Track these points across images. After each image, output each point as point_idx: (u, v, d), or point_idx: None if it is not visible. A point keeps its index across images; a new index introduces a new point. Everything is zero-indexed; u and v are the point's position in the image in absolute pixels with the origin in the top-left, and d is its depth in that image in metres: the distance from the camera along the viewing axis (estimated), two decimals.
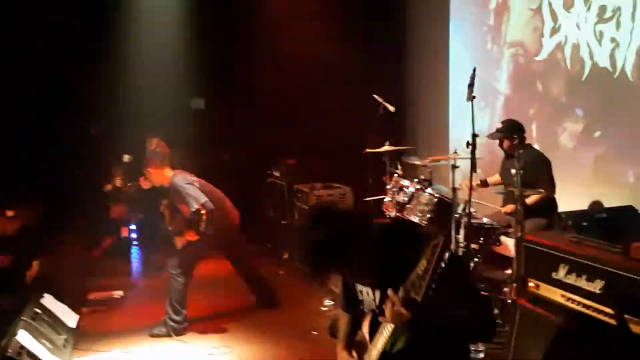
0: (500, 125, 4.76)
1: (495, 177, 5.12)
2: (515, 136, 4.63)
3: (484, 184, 4.98)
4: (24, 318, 3.83)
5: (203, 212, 4.46)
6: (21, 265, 4.86)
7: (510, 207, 4.56)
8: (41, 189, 5.98)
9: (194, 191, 4.53)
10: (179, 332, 4.49)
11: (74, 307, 4.65)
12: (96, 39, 6.76)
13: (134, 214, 6.68)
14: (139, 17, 7.05)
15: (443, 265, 1.72)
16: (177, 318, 4.50)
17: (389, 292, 1.80)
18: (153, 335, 4.50)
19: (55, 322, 4.19)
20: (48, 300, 4.37)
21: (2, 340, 3.53)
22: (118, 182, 6.47)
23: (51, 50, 6.56)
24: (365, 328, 2.11)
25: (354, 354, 2.25)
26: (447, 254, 1.75)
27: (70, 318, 4.45)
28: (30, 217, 5.26)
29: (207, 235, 4.52)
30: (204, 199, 4.49)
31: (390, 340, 1.93)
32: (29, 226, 5.16)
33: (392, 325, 1.88)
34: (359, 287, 2.18)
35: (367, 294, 2.14)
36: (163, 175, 4.67)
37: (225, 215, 4.70)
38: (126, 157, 6.49)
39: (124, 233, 6.94)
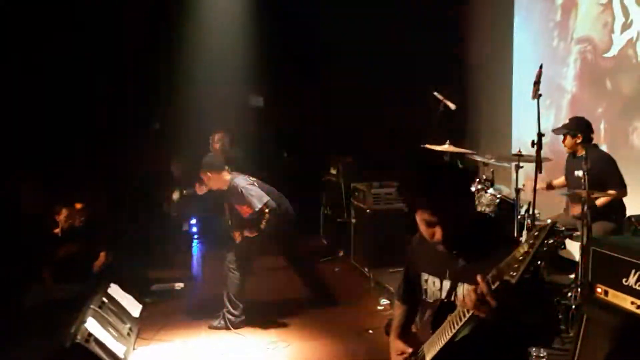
0: (567, 122, 4.58)
1: (561, 180, 4.94)
2: (580, 135, 4.44)
3: (550, 186, 4.81)
4: (92, 306, 4.00)
5: (266, 210, 4.53)
6: (89, 255, 5.07)
7: (576, 209, 4.40)
8: (108, 183, 6.20)
9: (256, 191, 4.61)
10: (236, 325, 4.57)
11: (138, 297, 4.82)
12: (160, 36, 6.95)
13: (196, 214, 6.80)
14: (201, 14, 7.20)
15: (544, 249, 1.68)
16: (235, 312, 4.59)
17: (478, 277, 1.74)
18: (212, 328, 4.61)
19: (121, 311, 4.36)
20: (114, 290, 4.55)
21: (72, 327, 3.69)
22: (175, 196, 6.60)
23: (119, 47, 6.78)
24: (425, 317, 2.09)
25: (406, 345, 2.23)
26: (550, 240, 1.71)
27: (134, 308, 4.62)
28: (98, 209, 5.47)
29: (265, 233, 4.59)
30: (266, 198, 4.57)
31: (461, 330, 1.89)
32: (97, 218, 5.36)
33: (467, 316, 1.83)
34: (425, 276, 2.15)
35: (433, 284, 2.12)
36: (222, 179, 4.69)
37: (283, 214, 4.76)
38: (174, 167, 6.66)
39: (185, 227, 7.13)
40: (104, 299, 4.26)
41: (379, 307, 4.96)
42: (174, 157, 6.84)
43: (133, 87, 6.93)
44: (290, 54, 7.49)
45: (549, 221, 4.26)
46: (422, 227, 1.99)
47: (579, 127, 4.49)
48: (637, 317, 2.61)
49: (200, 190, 4.97)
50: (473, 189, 4.66)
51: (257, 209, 4.55)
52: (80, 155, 6.50)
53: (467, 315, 1.82)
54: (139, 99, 7.03)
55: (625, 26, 5.21)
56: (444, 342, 1.94)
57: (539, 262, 4.35)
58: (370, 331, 4.46)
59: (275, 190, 4.90)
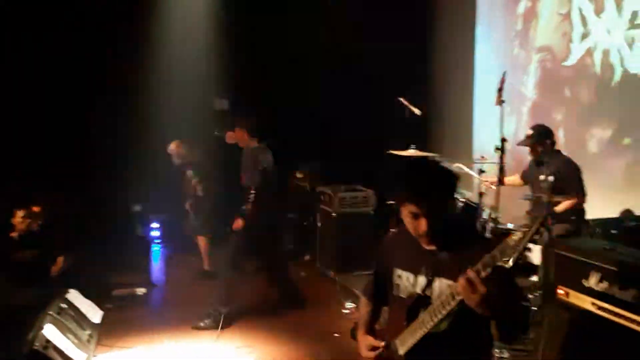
0: (530, 132, 4.67)
1: (513, 178, 5.01)
2: (547, 141, 4.56)
3: (501, 182, 4.88)
4: (50, 312, 3.89)
5: (252, 193, 4.66)
6: (47, 260, 4.91)
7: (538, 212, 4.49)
8: (67, 186, 6.04)
9: (260, 171, 4.78)
10: (226, 324, 4.57)
11: (98, 303, 4.70)
12: (122, 37, 6.82)
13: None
14: (165, 16, 7.11)
15: (537, 237, 1.75)
16: (224, 311, 4.57)
17: (469, 272, 1.80)
18: (198, 328, 4.56)
19: (80, 318, 4.25)
20: (73, 296, 4.43)
21: (30, 334, 3.57)
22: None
23: (78, 47, 6.63)
24: (397, 314, 2.13)
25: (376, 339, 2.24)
26: (537, 236, 1.78)
27: (94, 314, 4.51)
28: (56, 212, 5.32)
29: (252, 226, 4.64)
30: (258, 184, 4.71)
31: (442, 320, 1.95)
32: (55, 222, 5.21)
33: (451, 306, 1.89)
34: (398, 272, 2.18)
35: (407, 279, 2.15)
36: (247, 139, 4.98)
37: (267, 206, 4.81)
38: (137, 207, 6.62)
39: (140, 232, 7.00)
40: (63, 305, 4.14)
41: (345, 311, 4.97)
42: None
43: (94, 89, 6.77)
44: (255, 56, 7.46)
45: (510, 225, 4.33)
46: (407, 220, 2.06)
47: (544, 136, 4.59)
48: (597, 318, 2.68)
49: (230, 139, 5.23)
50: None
51: (246, 185, 4.76)
52: (38, 157, 6.31)
53: (452, 306, 1.88)
54: (99, 101, 6.88)
55: (584, 36, 5.39)
56: (422, 334, 1.98)
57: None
58: (336, 335, 4.46)
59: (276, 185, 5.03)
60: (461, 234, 2.11)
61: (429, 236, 2.04)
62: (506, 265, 1.74)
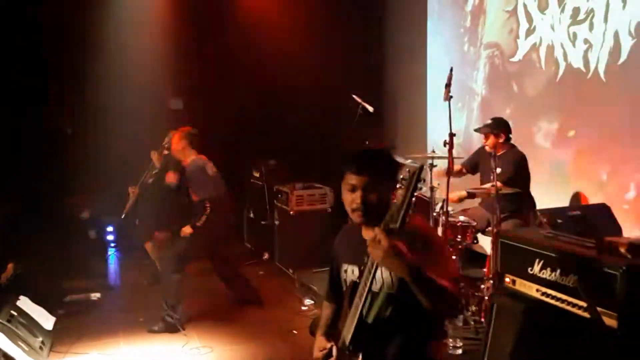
0: (489, 122, 4.79)
1: (457, 167, 5.09)
2: (503, 134, 4.67)
3: (449, 172, 4.97)
4: (0, 320, 3.78)
5: (207, 205, 4.57)
6: None
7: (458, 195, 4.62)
8: (14, 189, 5.87)
9: (207, 182, 4.71)
10: (182, 325, 4.53)
11: (50, 309, 4.60)
12: (74, 37, 6.67)
13: None
14: (116, 15, 6.98)
15: (416, 193, 1.82)
16: (176, 315, 4.52)
17: (376, 229, 1.86)
18: (152, 332, 4.51)
19: (32, 324, 4.15)
20: (24, 302, 4.32)
21: None
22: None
23: (27, 47, 6.45)
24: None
25: (330, 341, 2.27)
26: (419, 184, 1.84)
27: (46, 320, 4.40)
28: (3, 217, 5.17)
29: (204, 231, 4.59)
30: (212, 193, 4.66)
31: (367, 305, 2.00)
32: (2, 227, 5.07)
33: (366, 291, 1.94)
34: (345, 266, 2.24)
35: (352, 272, 2.20)
36: (186, 153, 4.81)
37: (224, 213, 4.77)
38: (86, 214, 6.50)
39: (93, 235, 6.86)
40: (13, 312, 4.03)
41: (304, 308, 4.99)
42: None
43: (43, 89, 6.60)
44: (209, 55, 7.40)
45: (462, 217, 4.41)
46: (345, 196, 2.13)
47: (501, 127, 4.71)
48: (542, 303, 2.77)
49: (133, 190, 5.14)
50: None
51: (200, 198, 4.63)
52: None
53: (369, 278, 1.93)
54: (49, 101, 6.71)
55: (529, 32, 5.54)
56: (356, 320, 2.01)
57: (453, 257, 4.55)
58: (295, 332, 4.48)
59: (225, 189, 4.95)
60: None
61: (362, 211, 2.08)
62: (395, 227, 1.83)
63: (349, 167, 2.10)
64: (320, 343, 2.29)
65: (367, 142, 5.17)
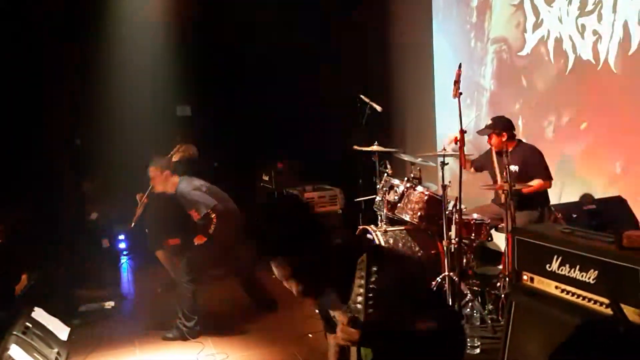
0: (489, 122, 4.78)
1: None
2: (504, 132, 4.65)
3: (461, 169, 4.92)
4: (15, 332, 3.78)
5: (213, 215, 4.51)
6: (9, 279, 4.78)
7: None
8: (27, 201, 5.88)
9: (200, 196, 4.59)
10: (194, 335, 4.49)
11: (65, 320, 4.60)
12: (79, 44, 6.69)
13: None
14: (122, 23, 6.99)
15: (374, 279, 1.68)
16: (189, 324, 4.49)
17: (337, 314, 1.79)
18: (166, 339, 4.49)
19: (47, 335, 4.14)
20: (38, 314, 4.31)
21: None
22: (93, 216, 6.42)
23: (37, 58, 6.48)
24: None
25: None
26: (374, 268, 1.70)
27: (61, 331, 4.40)
28: (17, 229, 5.18)
29: (215, 239, 4.56)
30: (213, 202, 4.55)
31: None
32: (16, 239, 5.08)
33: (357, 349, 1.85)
34: (332, 312, 2.15)
35: (337, 317, 2.10)
36: (168, 180, 4.70)
37: (231, 220, 4.71)
38: (86, 185, 6.49)
39: (106, 244, 6.88)
40: (28, 324, 4.03)
41: (317, 311, 4.95)
42: (86, 175, 6.59)
43: (51, 100, 6.62)
44: (215, 61, 7.40)
45: (475, 215, 4.40)
46: (283, 282, 1.88)
47: (502, 126, 4.68)
48: (562, 300, 2.73)
49: (140, 198, 5.00)
50: (392, 197, 4.77)
51: (202, 215, 4.53)
52: None
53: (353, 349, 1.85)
54: (58, 112, 6.73)
55: (537, 25, 5.49)
56: None
57: (467, 255, 4.51)
58: (310, 335, 4.45)
59: (226, 196, 4.89)
60: (349, 262, 1.85)
61: (309, 297, 1.87)
62: (361, 318, 1.72)
63: (267, 259, 1.84)
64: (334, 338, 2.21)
65: (375, 142, 5.14)
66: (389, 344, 1.81)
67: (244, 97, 7.35)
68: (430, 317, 1.80)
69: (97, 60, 6.78)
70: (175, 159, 5.86)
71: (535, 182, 4.49)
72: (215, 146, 7.60)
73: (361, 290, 1.71)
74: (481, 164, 5.04)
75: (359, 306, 1.72)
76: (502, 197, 4.47)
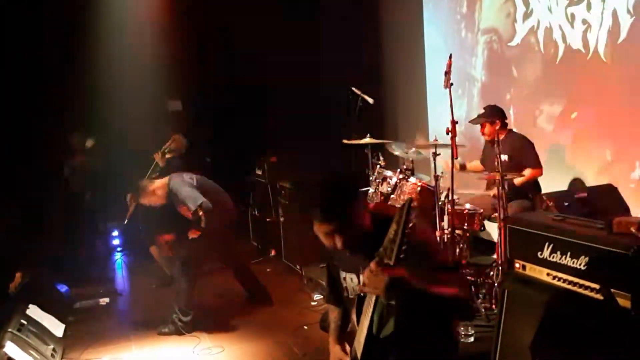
0: (482, 111, 4.80)
1: (475, 163, 5.15)
2: (497, 121, 4.67)
3: (463, 167, 4.98)
4: (10, 330, 3.78)
5: (200, 213, 4.49)
6: (4, 276, 4.77)
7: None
8: (18, 198, 5.86)
9: (189, 192, 4.56)
10: (190, 330, 4.49)
11: (60, 317, 4.59)
12: (68, 42, 6.66)
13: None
14: (112, 19, 6.96)
15: (410, 226, 1.80)
16: (185, 319, 4.50)
17: (371, 264, 1.84)
18: (162, 334, 4.49)
19: (42, 332, 4.14)
20: (33, 311, 4.31)
21: None
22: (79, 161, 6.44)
23: (29, 54, 6.44)
24: (353, 315, 2.15)
25: (347, 346, 2.26)
26: (412, 216, 1.81)
27: (56, 328, 4.40)
28: (10, 227, 5.17)
29: (208, 233, 4.55)
30: (200, 199, 4.51)
31: (376, 320, 1.98)
32: (10, 236, 5.06)
33: (373, 304, 1.93)
34: (343, 274, 2.23)
35: (351, 280, 2.19)
36: (155, 192, 4.71)
37: (223, 212, 4.71)
38: (89, 143, 6.47)
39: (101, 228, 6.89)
40: (23, 321, 4.02)
41: (313, 303, 4.98)
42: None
43: (44, 96, 6.59)
44: (206, 55, 7.38)
45: (467, 205, 4.42)
46: (322, 239, 2.10)
47: (495, 114, 4.70)
48: (553, 287, 2.75)
49: (131, 199, 5.00)
50: (385, 189, 4.80)
51: (191, 211, 4.51)
52: None
53: (371, 305, 1.93)
54: (48, 109, 6.70)
55: (526, 15, 5.50)
56: (364, 336, 2.00)
57: (460, 245, 4.54)
58: (306, 327, 4.46)
59: (218, 188, 4.88)
60: (382, 227, 2.04)
61: (349, 249, 2.08)
62: (391, 263, 1.79)
63: (315, 217, 2.07)
64: (336, 353, 2.30)
65: (368, 135, 5.15)
66: (411, 298, 1.87)
67: (235, 91, 7.34)
68: (450, 283, 1.96)
69: (86, 55, 6.75)
70: (168, 155, 5.87)
71: (527, 172, 4.52)
72: (207, 141, 7.60)
73: (396, 236, 1.79)
74: (484, 156, 5.07)
75: (389, 252, 1.80)
76: (493, 189, 4.52)
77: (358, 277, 2.13)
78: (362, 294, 2.06)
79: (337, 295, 2.35)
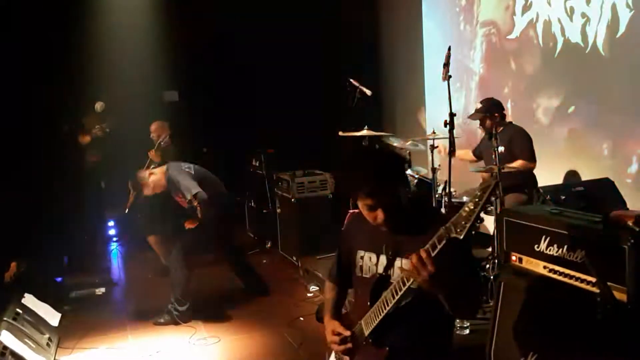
0: (479, 105, 4.78)
1: (464, 152, 5.12)
2: (497, 114, 4.66)
3: (452, 154, 4.96)
4: (6, 319, 3.78)
5: (195, 203, 4.49)
6: None
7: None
8: (15, 187, 5.83)
9: (186, 181, 4.57)
10: (185, 320, 4.50)
11: (56, 306, 4.59)
12: (65, 31, 6.61)
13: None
14: (109, 9, 6.92)
15: (489, 207, 1.80)
16: (181, 309, 4.51)
17: (421, 250, 1.84)
18: (158, 324, 4.50)
19: (38, 322, 4.14)
20: (29, 300, 4.31)
21: None
22: (98, 131, 6.47)
23: (25, 47, 6.39)
24: (351, 297, 2.19)
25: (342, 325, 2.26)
26: (493, 198, 1.81)
27: (52, 317, 4.40)
28: (5, 216, 5.14)
29: (205, 223, 4.56)
30: (195, 189, 4.51)
31: (401, 299, 1.99)
32: (5, 226, 5.04)
33: (406, 285, 1.93)
34: (361, 253, 2.22)
35: (370, 259, 2.19)
36: (155, 180, 4.74)
37: (219, 202, 4.70)
38: (99, 105, 6.46)
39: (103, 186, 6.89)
40: (19, 310, 4.03)
41: (309, 294, 4.99)
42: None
43: (40, 87, 6.55)
44: (202, 46, 7.34)
45: (465, 198, 4.41)
46: (365, 212, 2.09)
47: (494, 108, 4.69)
48: (550, 280, 2.76)
49: (147, 191, 4.94)
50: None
51: (186, 200, 4.52)
52: None
53: (407, 284, 1.92)
54: (48, 100, 6.66)
55: (525, 8, 5.49)
56: (383, 314, 2.02)
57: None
58: (302, 318, 4.48)
59: (215, 178, 4.88)
60: (419, 214, 2.15)
61: (390, 224, 2.08)
62: (460, 236, 1.78)
63: (364, 188, 2.05)
64: (333, 326, 2.27)
65: (365, 126, 5.14)
66: (453, 287, 1.90)
67: (232, 82, 7.31)
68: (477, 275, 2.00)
69: (83, 47, 6.71)
70: (164, 145, 5.86)
71: (517, 163, 4.49)
72: (204, 132, 7.57)
73: (471, 213, 1.76)
74: (479, 151, 5.06)
75: (460, 227, 1.77)
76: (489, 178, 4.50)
77: (377, 257, 2.15)
78: (382, 275, 2.10)
79: (342, 273, 2.36)
